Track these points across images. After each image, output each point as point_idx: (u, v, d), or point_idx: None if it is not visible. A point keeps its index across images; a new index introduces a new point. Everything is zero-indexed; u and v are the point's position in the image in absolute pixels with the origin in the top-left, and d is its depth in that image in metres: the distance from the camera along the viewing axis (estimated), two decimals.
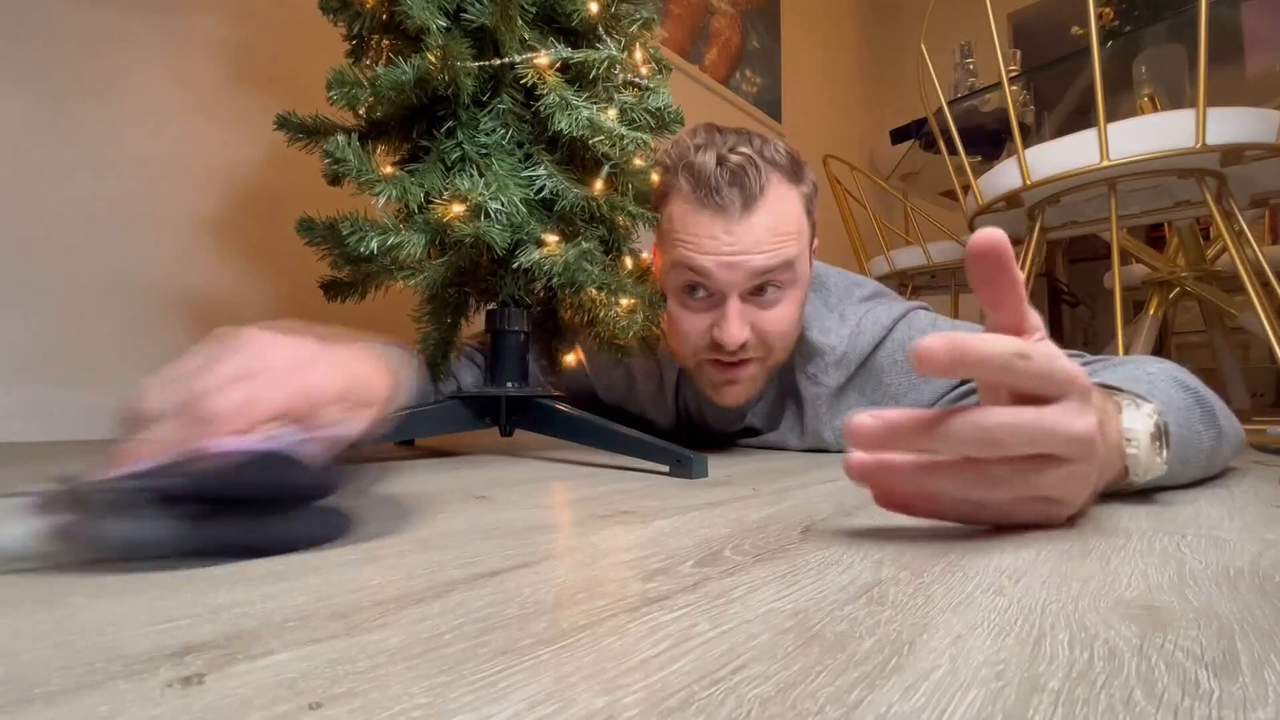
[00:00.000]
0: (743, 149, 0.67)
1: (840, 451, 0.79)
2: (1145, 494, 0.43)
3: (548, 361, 0.77)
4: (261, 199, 1.06)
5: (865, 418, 0.29)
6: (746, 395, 0.74)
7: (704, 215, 0.66)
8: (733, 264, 0.66)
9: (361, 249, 0.57)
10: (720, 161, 0.66)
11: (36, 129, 0.86)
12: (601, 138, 0.61)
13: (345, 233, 0.57)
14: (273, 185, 1.07)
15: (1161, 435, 0.38)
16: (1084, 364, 0.66)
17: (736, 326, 0.67)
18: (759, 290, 0.68)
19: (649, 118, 0.66)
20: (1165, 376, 0.45)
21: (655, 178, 0.68)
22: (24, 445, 0.77)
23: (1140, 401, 0.38)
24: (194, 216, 1.00)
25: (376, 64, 0.66)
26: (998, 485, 0.29)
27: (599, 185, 0.65)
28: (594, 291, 0.64)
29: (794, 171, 0.70)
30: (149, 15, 0.95)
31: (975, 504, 0.31)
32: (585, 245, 0.63)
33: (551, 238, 0.63)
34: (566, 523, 0.34)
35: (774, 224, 0.67)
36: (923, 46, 1.52)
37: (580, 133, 0.60)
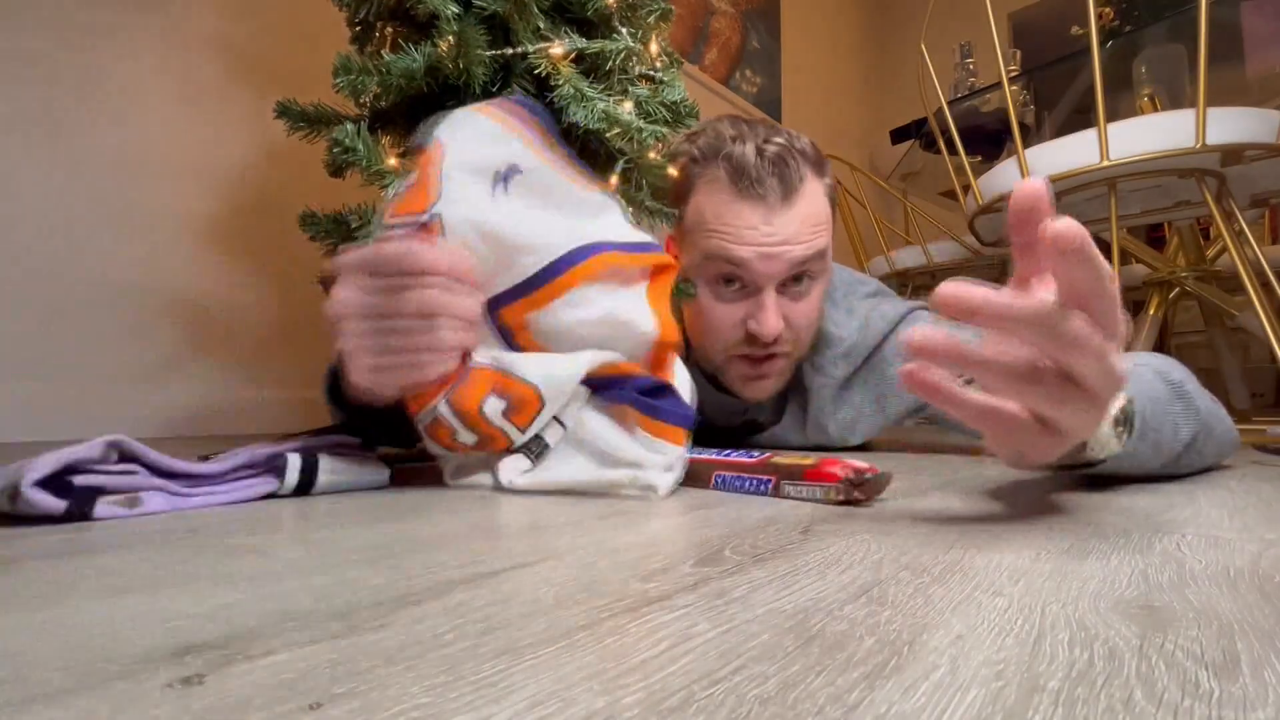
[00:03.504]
0: (778, 139, 0.67)
1: (843, 447, 0.79)
2: (1123, 481, 0.44)
3: None
4: (255, 195, 1.06)
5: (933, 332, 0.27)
6: (774, 389, 0.75)
7: (743, 206, 0.66)
8: (772, 255, 0.66)
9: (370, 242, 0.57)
10: (759, 152, 0.66)
11: (26, 125, 0.86)
12: (618, 131, 0.61)
13: (354, 225, 0.57)
14: (266, 182, 1.07)
15: (1127, 420, 0.40)
16: None
17: (774, 318, 0.67)
18: (792, 281, 0.69)
19: (665, 111, 0.66)
20: (1149, 369, 0.47)
21: (673, 171, 0.68)
22: (19, 446, 0.77)
23: None
24: (187, 214, 0.99)
25: (380, 52, 0.66)
26: (1035, 384, 0.28)
27: (614, 180, 0.65)
28: None
29: (819, 164, 0.71)
30: (140, 10, 0.95)
31: (996, 408, 0.29)
32: None
33: None
34: (566, 523, 0.34)
35: (809, 214, 0.67)
36: (923, 46, 1.52)
37: (596, 125, 0.60)
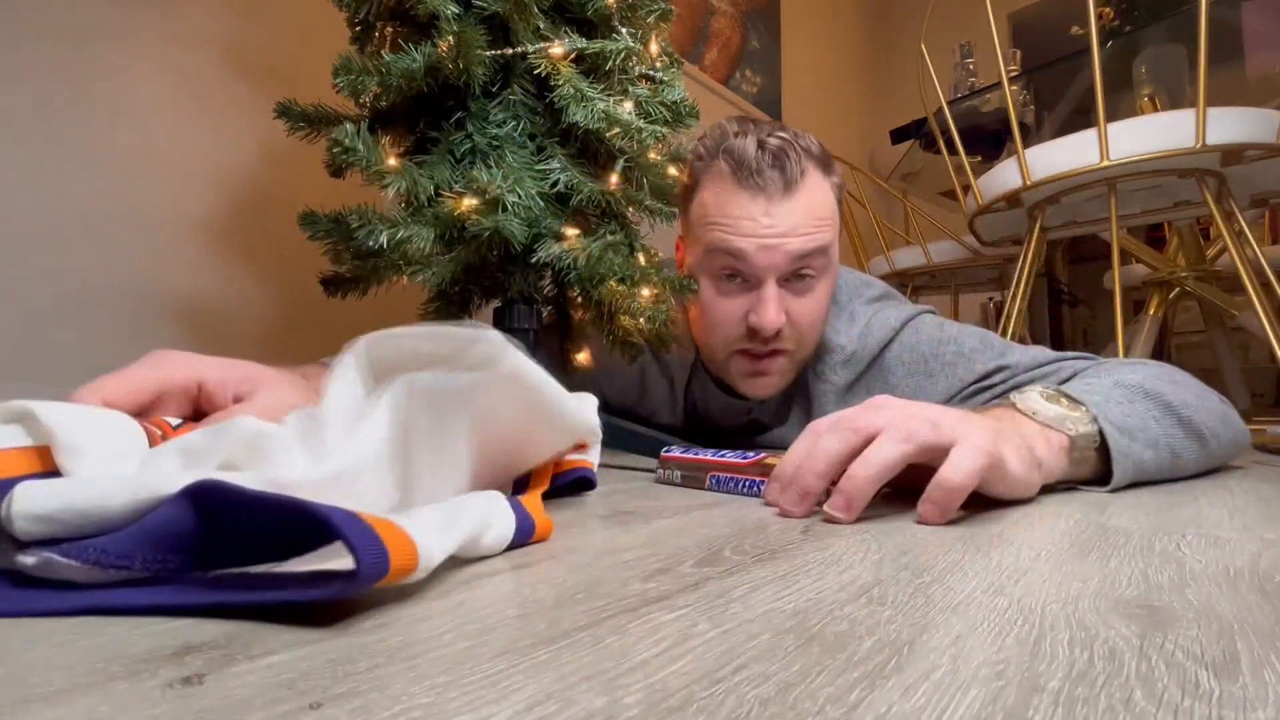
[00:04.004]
0: (781, 135, 0.68)
1: None
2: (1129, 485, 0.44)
3: (559, 363, 0.77)
4: (255, 195, 1.06)
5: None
6: (776, 387, 0.74)
7: (743, 197, 0.66)
8: (771, 246, 0.66)
9: (370, 243, 0.56)
10: (760, 145, 0.66)
11: (24, 125, 0.85)
12: (618, 130, 0.61)
13: (354, 225, 0.57)
14: (267, 182, 1.06)
15: (1098, 439, 0.44)
16: (1070, 373, 0.66)
17: (774, 310, 0.67)
18: (794, 276, 0.69)
19: (665, 111, 0.66)
20: (1125, 387, 0.50)
21: (674, 171, 0.68)
22: None
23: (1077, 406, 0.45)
24: (186, 214, 0.99)
25: (380, 52, 0.66)
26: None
27: (614, 179, 0.65)
28: (615, 284, 0.63)
29: (825, 162, 0.71)
30: (140, 9, 0.95)
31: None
32: (611, 238, 0.63)
33: (571, 231, 0.63)
34: (566, 523, 0.34)
35: (811, 208, 0.68)
36: (923, 46, 1.52)
37: (596, 125, 0.60)
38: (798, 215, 0.66)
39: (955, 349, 0.72)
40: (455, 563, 0.26)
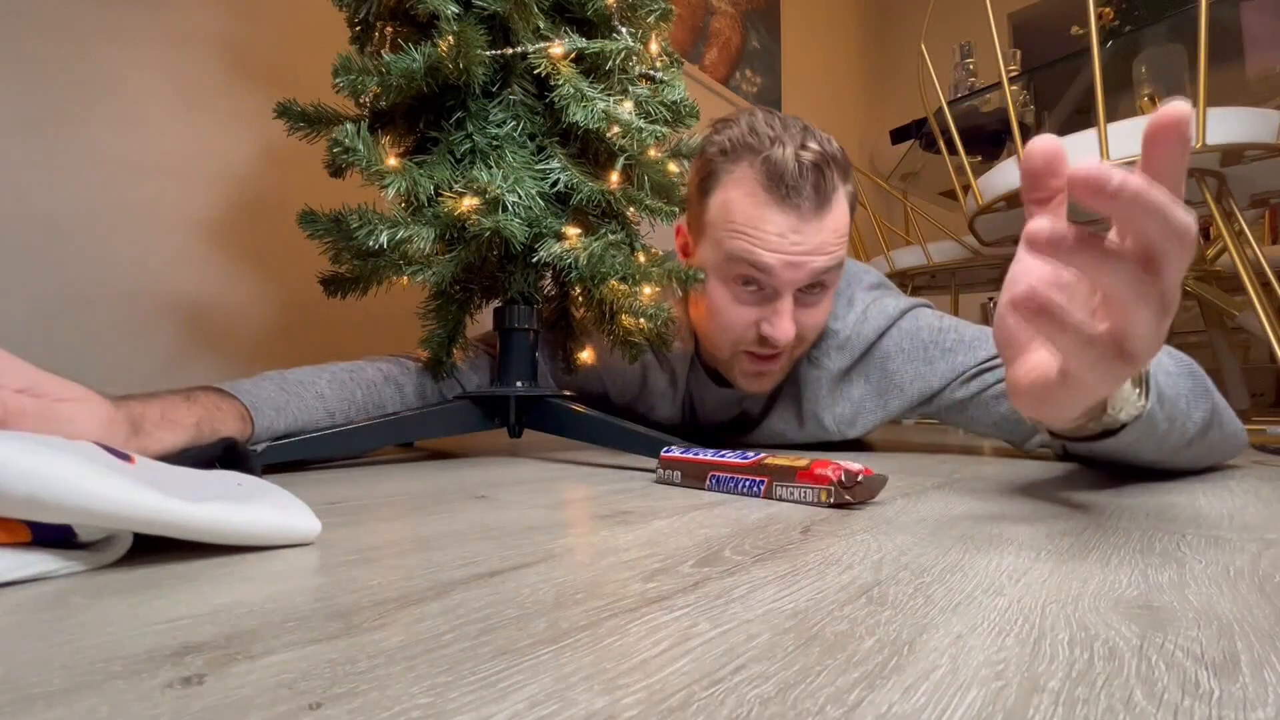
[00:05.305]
0: (813, 145, 0.66)
1: (841, 438, 0.79)
2: (1127, 478, 0.44)
3: (564, 361, 0.77)
4: (255, 198, 1.06)
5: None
6: (774, 382, 0.76)
7: (775, 211, 0.66)
8: (797, 264, 0.66)
9: (371, 242, 0.56)
10: (798, 158, 0.65)
11: (22, 127, 0.85)
12: (618, 130, 0.61)
13: (354, 225, 0.57)
14: (266, 182, 1.06)
15: (1144, 382, 0.40)
16: None
17: (789, 324, 0.68)
18: (809, 288, 0.69)
19: (665, 111, 0.66)
20: (1164, 353, 0.48)
21: (674, 169, 0.68)
22: None
23: None
24: (186, 215, 0.99)
25: (380, 52, 0.66)
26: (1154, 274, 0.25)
27: (614, 179, 0.65)
28: (615, 283, 0.63)
29: (846, 170, 0.70)
30: (138, 9, 0.95)
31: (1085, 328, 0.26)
32: (612, 237, 0.63)
33: (572, 230, 0.63)
34: (566, 523, 0.34)
35: (837, 226, 0.68)
36: (923, 46, 1.52)
37: (596, 125, 0.60)
38: (825, 233, 0.66)
39: (956, 336, 0.73)
40: (453, 563, 0.26)
